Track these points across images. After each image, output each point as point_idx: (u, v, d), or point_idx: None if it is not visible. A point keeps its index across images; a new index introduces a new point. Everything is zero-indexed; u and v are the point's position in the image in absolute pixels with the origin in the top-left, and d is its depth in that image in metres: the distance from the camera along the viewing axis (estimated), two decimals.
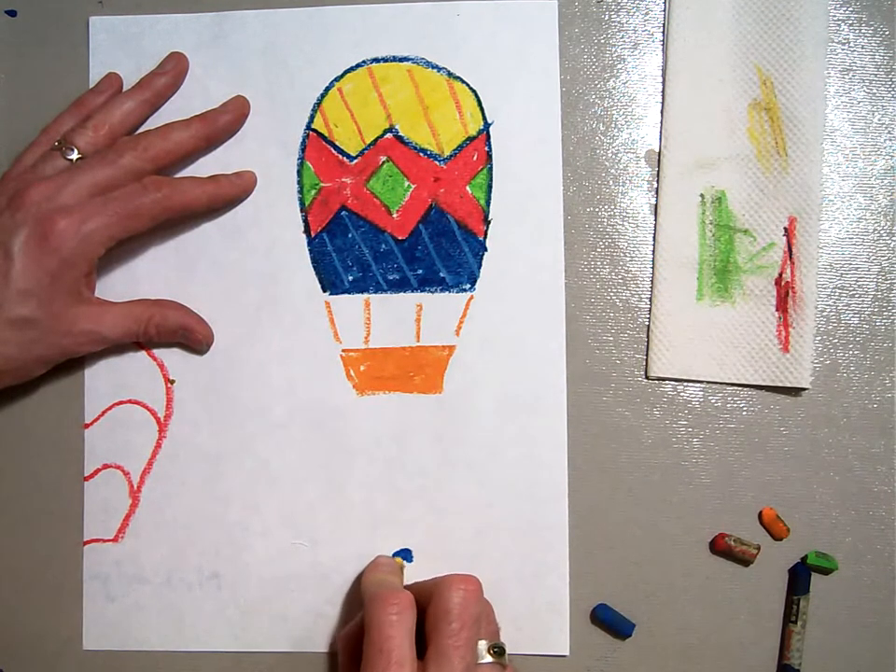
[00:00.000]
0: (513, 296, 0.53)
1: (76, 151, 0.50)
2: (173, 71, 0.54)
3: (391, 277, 0.53)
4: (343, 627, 0.51)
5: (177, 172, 0.53)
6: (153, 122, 0.53)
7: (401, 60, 0.54)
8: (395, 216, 0.53)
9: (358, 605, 0.52)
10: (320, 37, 0.54)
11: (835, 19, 0.54)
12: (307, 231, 0.54)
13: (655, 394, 0.53)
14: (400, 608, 0.45)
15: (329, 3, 0.54)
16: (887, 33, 0.54)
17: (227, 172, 0.53)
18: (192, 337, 0.53)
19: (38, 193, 0.48)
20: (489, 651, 0.46)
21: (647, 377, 0.53)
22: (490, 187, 0.53)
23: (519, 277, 0.53)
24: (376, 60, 0.54)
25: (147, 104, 0.53)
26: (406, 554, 0.52)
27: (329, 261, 0.53)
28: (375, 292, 0.53)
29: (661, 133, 0.54)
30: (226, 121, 0.53)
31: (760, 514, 0.52)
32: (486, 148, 0.53)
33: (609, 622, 0.51)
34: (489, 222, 0.53)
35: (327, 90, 0.54)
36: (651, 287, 0.53)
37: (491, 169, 0.53)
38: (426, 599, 0.46)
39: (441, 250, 0.53)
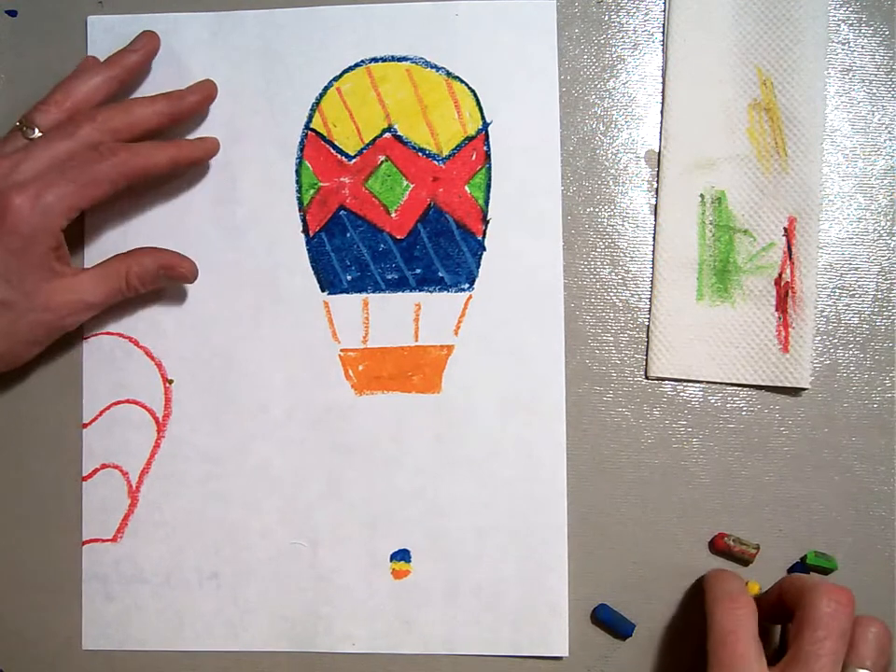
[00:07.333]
0: (512, 296, 0.53)
1: (37, 130, 0.49)
2: (143, 49, 0.52)
3: (389, 277, 0.53)
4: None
5: None
6: None
7: (400, 59, 0.54)
8: (393, 215, 0.53)
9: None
10: (319, 37, 0.54)
11: (835, 19, 0.54)
12: (306, 230, 0.54)
13: (655, 394, 0.53)
14: (744, 609, 0.46)
15: (327, 3, 0.54)
16: (887, 33, 0.54)
17: (226, 171, 0.54)
18: (175, 273, 0.52)
19: None
20: None
21: (647, 377, 0.53)
22: (489, 186, 0.53)
23: (518, 277, 0.53)
24: (375, 59, 0.54)
25: (116, 80, 0.51)
26: (405, 555, 0.52)
27: (328, 261, 0.53)
28: (374, 292, 0.53)
29: (661, 133, 0.54)
30: (191, 102, 0.52)
31: None
32: (485, 148, 0.53)
33: (609, 622, 0.51)
34: (488, 222, 0.53)
35: (325, 89, 0.54)
36: (651, 287, 0.53)
37: (490, 169, 0.53)
38: (792, 603, 0.46)
39: (440, 250, 0.53)
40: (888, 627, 0.46)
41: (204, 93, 0.53)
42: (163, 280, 0.52)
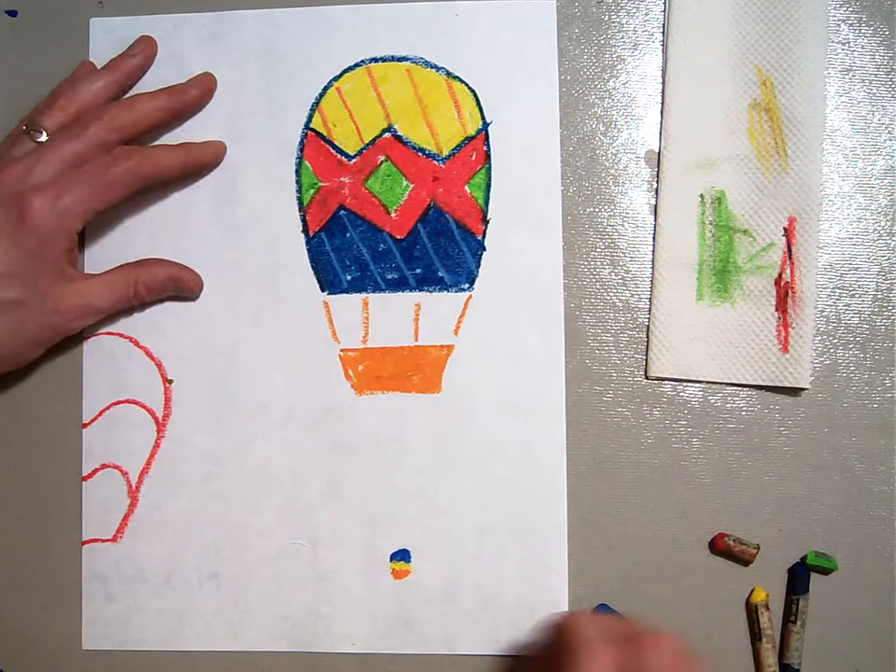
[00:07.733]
0: (512, 296, 0.53)
1: (44, 133, 0.50)
2: (142, 53, 0.53)
3: (389, 277, 0.53)
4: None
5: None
6: None
7: (400, 59, 0.54)
8: (393, 215, 0.53)
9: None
10: (319, 37, 0.54)
11: (835, 19, 0.54)
12: (305, 230, 0.54)
13: (655, 394, 0.53)
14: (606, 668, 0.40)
15: (327, 3, 0.54)
16: (887, 33, 0.54)
17: (226, 171, 0.54)
18: (183, 285, 0.53)
19: (8, 176, 0.48)
20: None
21: (647, 377, 0.53)
22: (489, 186, 0.53)
23: (518, 277, 0.53)
24: (375, 59, 0.54)
25: (116, 84, 0.52)
26: (404, 555, 0.52)
27: (328, 261, 0.53)
28: (374, 292, 0.53)
29: (661, 133, 0.54)
30: (192, 96, 0.53)
31: None
32: (485, 148, 0.53)
33: None
34: (488, 222, 0.53)
35: (325, 89, 0.54)
36: (651, 287, 0.53)
37: (490, 169, 0.53)
38: (626, 642, 0.42)
39: (440, 250, 0.53)
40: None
41: (205, 86, 0.53)
42: (170, 290, 0.53)
